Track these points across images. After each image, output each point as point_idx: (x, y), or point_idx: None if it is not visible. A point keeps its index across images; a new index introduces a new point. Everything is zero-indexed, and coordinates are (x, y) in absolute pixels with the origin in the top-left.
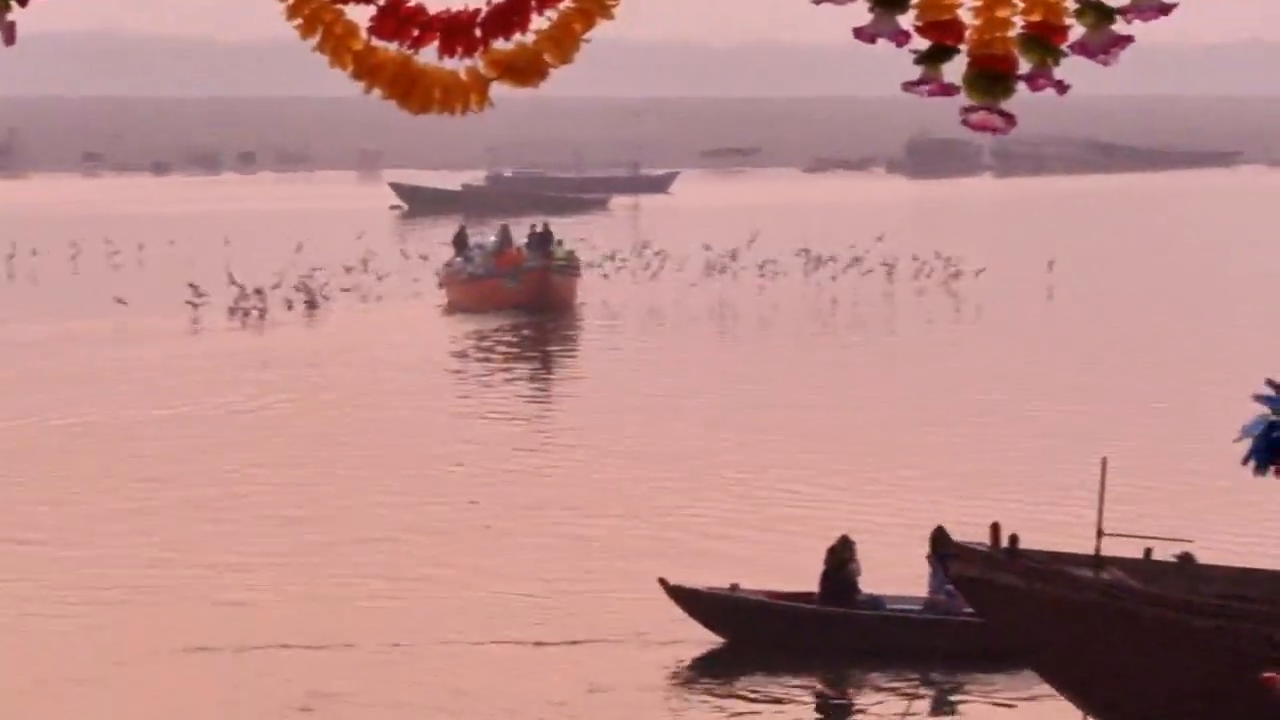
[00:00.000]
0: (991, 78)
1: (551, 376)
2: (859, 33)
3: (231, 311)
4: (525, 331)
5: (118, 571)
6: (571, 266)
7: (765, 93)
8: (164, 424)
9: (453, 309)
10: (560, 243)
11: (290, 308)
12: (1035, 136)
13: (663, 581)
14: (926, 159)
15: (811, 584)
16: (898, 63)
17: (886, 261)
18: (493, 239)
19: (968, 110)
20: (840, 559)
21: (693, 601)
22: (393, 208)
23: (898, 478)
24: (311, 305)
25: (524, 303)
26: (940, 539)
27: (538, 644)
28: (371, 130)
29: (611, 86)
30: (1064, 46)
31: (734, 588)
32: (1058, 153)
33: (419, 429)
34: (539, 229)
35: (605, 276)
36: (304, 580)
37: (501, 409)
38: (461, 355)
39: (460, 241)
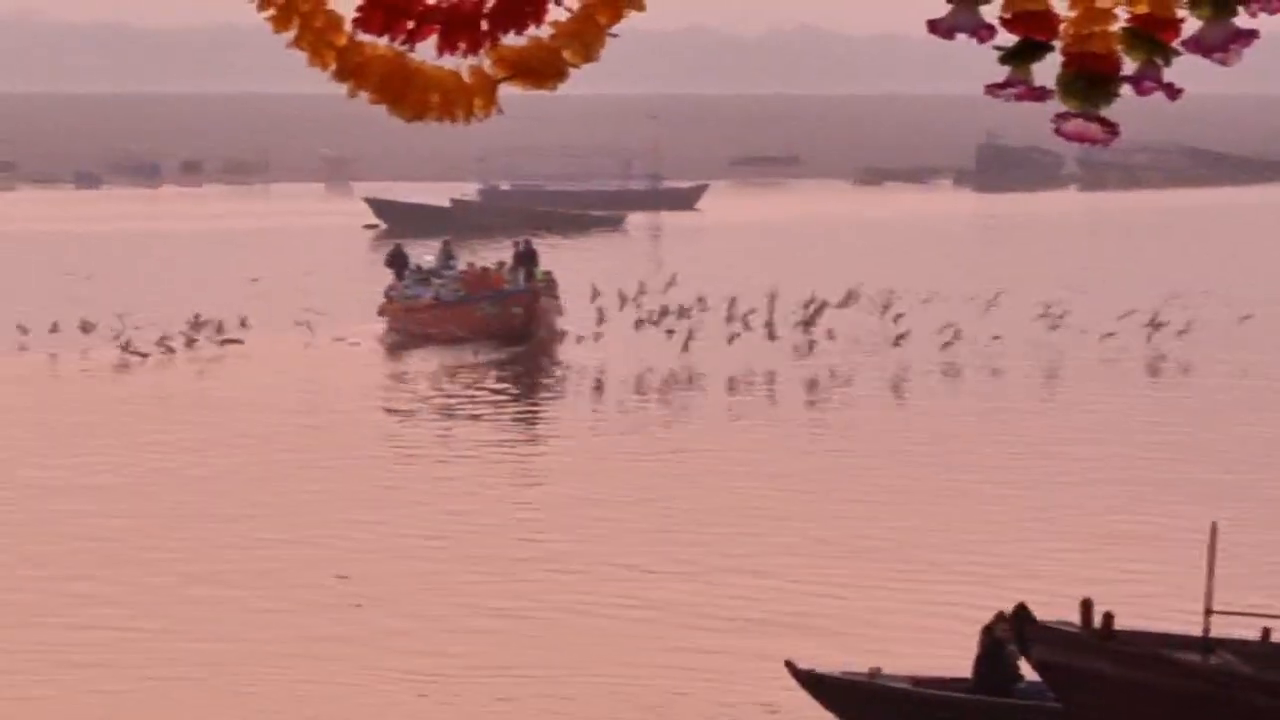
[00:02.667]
0: (1090, 80)
1: (631, 432)
2: (934, 26)
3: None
4: (526, 368)
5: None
6: (550, 290)
7: (803, 90)
8: (74, 486)
9: (405, 341)
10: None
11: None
12: (1124, 143)
13: (790, 665)
14: (998, 169)
15: (964, 667)
16: (962, 58)
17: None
18: (429, 259)
19: (1061, 117)
20: (997, 640)
21: (826, 688)
22: (368, 226)
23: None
24: (232, 341)
25: (504, 331)
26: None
27: None
28: (338, 134)
29: (623, 82)
30: (1176, 44)
31: (874, 672)
32: (1151, 161)
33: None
34: (521, 247)
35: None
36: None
37: (564, 462)
38: (459, 397)
39: (397, 262)
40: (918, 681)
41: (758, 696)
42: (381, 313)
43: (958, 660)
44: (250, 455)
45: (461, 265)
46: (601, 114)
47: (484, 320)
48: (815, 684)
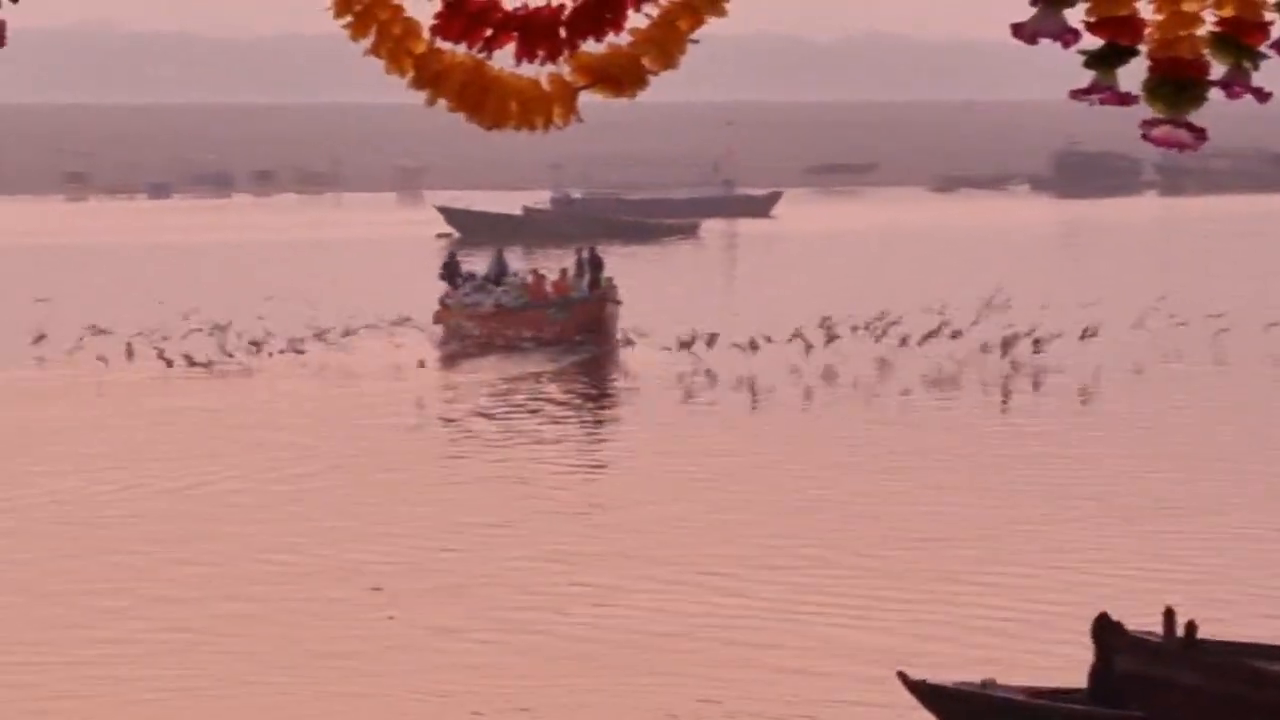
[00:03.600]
0: (1177, 85)
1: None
2: (1018, 30)
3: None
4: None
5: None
6: (613, 296)
7: (879, 96)
8: (149, 500)
9: (465, 349)
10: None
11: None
12: (1203, 148)
13: (903, 675)
14: (1077, 175)
15: (1080, 677)
16: (1039, 64)
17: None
18: (479, 274)
19: (1149, 123)
20: (1108, 646)
21: (939, 699)
22: (440, 236)
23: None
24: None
25: (569, 336)
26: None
27: None
28: (411, 144)
29: (696, 89)
30: (1263, 47)
31: (987, 683)
32: (1231, 167)
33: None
34: (586, 254)
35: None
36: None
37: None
38: (544, 404)
39: (450, 271)
40: (1032, 693)
41: (870, 708)
42: (437, 320)
43: (1069, 671)
44: (306, 467)
45: (516, 273)
46: (675, 121)
47: (549, 327)
48: (929, 695)
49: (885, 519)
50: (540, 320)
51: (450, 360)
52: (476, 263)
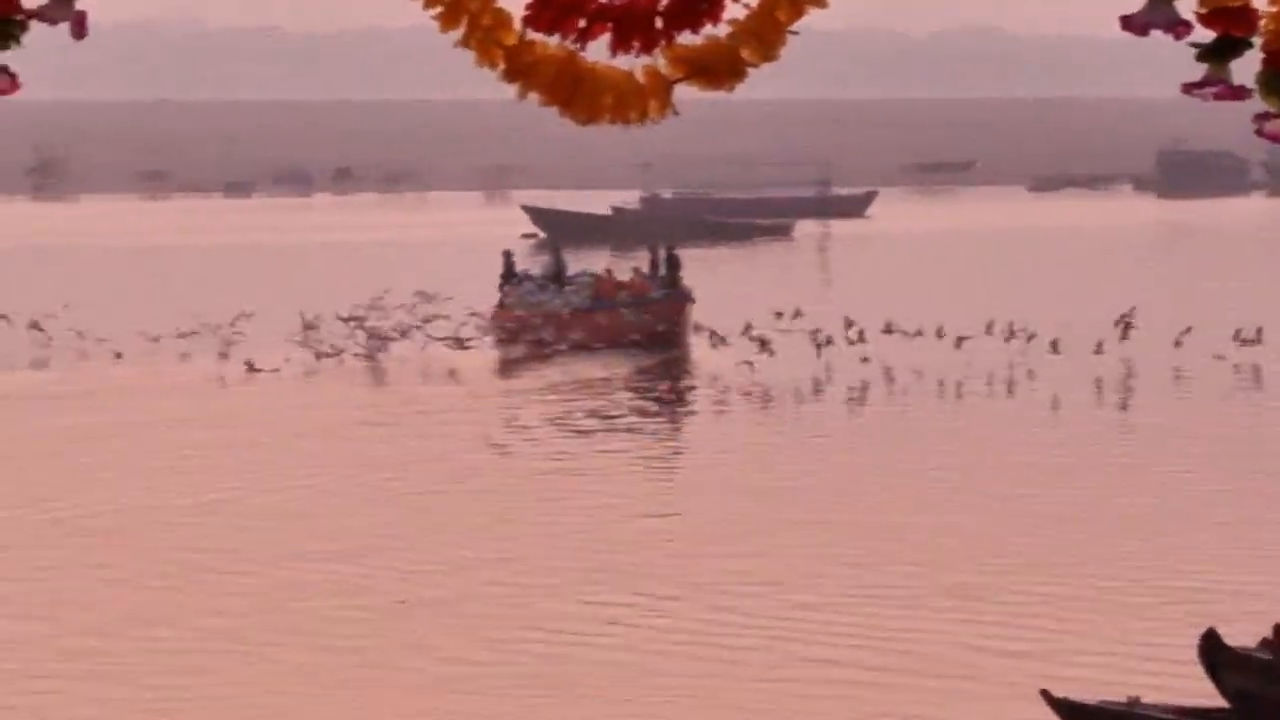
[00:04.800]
0: None
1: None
2: (1128, 23)
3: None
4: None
5: None
6: (688, 297)
7: (977, 92)
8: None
9: (531, 349)
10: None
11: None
12: None
13: (1046, 694)
14: (1181, 174)
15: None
16: (1143, 61)
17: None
18: (536, 274)
19: (1262, 118)
20: (1217, 664)
21: (1084, 718)
22: (525, 236)
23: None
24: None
25: (644, 338)
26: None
27: None
28: (497, 141)
29: (789, 86)
30: None
31: (1133, 701)
32: None
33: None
34: (662, 253)
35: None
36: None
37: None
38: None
39: (506, 270)
40: (1180, 712)
41: None
42: (495, 320)
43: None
44: (379, 472)
45: (583, 272)
46: (769, 119)
47: (623, 327)
48: (1073, 714)
49: (993, 535)
50: (613, 320)
51: (516, 362)
52: (582, 263)
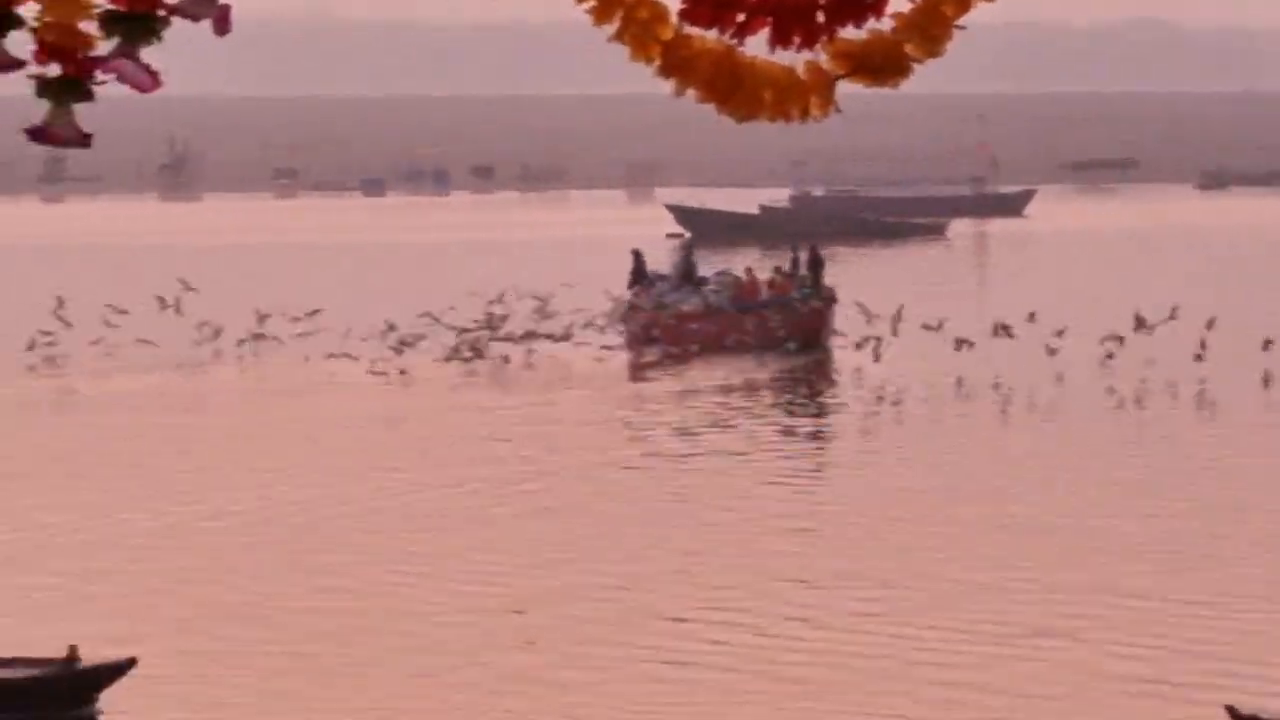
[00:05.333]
0: None
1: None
2: None
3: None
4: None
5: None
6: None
7: (1141, 87)
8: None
9: (669, 352)
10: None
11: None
12: None
13: (1232, 710)
14: None
15: None
16: None
17: None
18: (666, 274)
19: None
20: None
21: None
22: (670, 236)
23: None
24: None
25: (789, 340)
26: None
27: None
28: (641, 138)
29: (945, 81)
30: None
31: None
32: None
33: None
34: (806, 254)
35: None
36: None
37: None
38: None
39: (639, 271)
40: None
41: None
42: (626, 322)
43: None
44: (528, 466)
45: (724, 271)
46: (923, 115)
47: (765, 329)
48: None
49: (1162, 541)
50: (757, 322)
51: (651, 365)
52: (726, 265)
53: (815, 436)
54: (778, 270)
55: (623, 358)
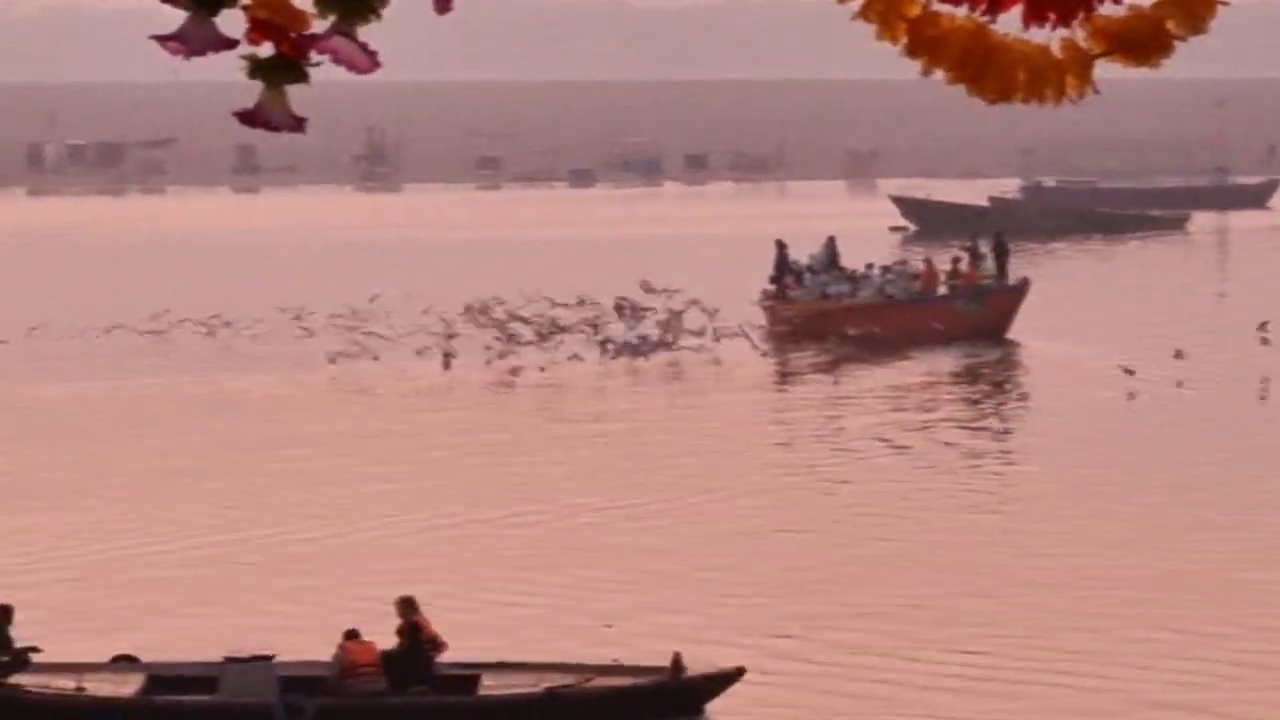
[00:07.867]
0: None
1: None
2: None
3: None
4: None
5: None
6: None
7: None
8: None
9: (840, 346)
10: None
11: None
12: None
13: None
14: None
15: None
16: None
17: None
18: (810, 258)
19: None
20: None
21: None
22: (894, 229)
23: None
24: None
25: (980, 330)
26: None
27: None
28: (864, 125)
29: (1184, 65)
30: None
31: None
32: None
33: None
34: (991, 242)
35: None
36: None
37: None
38: None
39: (782, 262)
40: None
41: None
42: (776, 317)
43: None
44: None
45: (904, 260)
46: (1161, 101)
47: (958, 321)
48: None
49: None
50: (945, 313)
51: (828, 365)
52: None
53: (1004, 440)
54: (956, 260)
55: (793, 357)
